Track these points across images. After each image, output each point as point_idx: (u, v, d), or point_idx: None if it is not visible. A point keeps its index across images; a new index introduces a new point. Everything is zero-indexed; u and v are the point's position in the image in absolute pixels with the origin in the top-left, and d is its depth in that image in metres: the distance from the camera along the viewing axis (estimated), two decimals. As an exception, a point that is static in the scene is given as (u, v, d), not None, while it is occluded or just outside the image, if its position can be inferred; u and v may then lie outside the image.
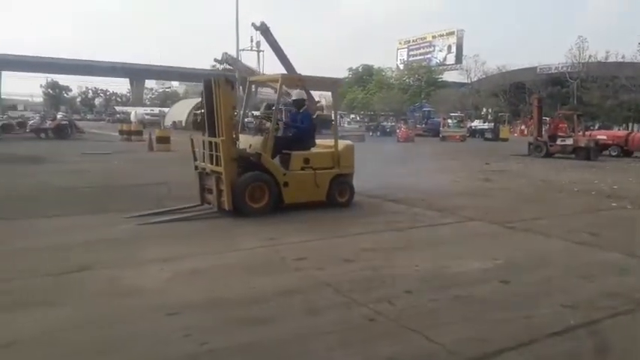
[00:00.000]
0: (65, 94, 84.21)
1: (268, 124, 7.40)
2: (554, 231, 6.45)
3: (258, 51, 39.24)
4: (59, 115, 30.68)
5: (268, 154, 7.05)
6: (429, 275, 4.46)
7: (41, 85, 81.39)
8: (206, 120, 6.91)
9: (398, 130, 34.13)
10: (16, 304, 3.56)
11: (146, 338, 3.08)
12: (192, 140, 7.39)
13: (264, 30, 36.25)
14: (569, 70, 53.56)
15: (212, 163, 6.91)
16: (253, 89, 9.06)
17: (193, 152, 7.41)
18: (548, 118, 25.45)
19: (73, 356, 2.86)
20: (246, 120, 8.75)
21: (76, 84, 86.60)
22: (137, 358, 2.84)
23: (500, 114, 44.78)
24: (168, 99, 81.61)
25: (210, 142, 6.88)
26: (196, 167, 7.33)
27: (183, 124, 38.19)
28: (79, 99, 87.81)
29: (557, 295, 4.06)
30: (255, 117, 9.14)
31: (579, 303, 3.86)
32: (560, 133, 21.13)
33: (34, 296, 3.74)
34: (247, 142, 7.26)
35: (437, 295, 3.92)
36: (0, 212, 6.79)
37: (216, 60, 36.09)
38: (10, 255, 4.81)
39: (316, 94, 41.34)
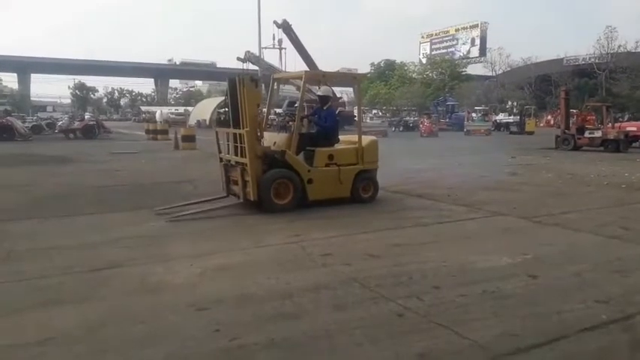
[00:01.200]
0: (92, 95, 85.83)
1: (292, 122, 7.45)
2: (584, 225, 6.33)
3: (280, 48, 39.34)
4: (87, 116, 31.33)
5: (292, 151, 7.09)
6: (456, 270, 4.43)
7: (69, 87, 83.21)
8: (231, 117, 6.99)
9: (421, 125, 33.85)
10: (51, 301, 3.67)
11: (177, 333, 3.14)
12: (216, 133, 7.49)
13: (286, 27, 36.32)
14: (597, 61, 52.40)
15: (237, 155, 6.99)
16: (276, 87, 9.11)
17: (218, 144, 7.53)
18: (575, 111, 24.91)
19: (107, 352, 2.93)
20: (270, 117, 8.80)
21: (102, 85, 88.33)
22: (169, 353, 2.89)
23: (526, 107, 43.99)
24: (192, 98, 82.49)
25: (235, 134, 6.95)
26: (221, 159, 7.43)
27: (207, 123, 38.58)
28: (105, 99, 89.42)
29: (588, 290, 3.98)
30: (278, 114, 9.20)
31: (612, 298, 3.79)
32: (588, 126, 20.67)
33: (69, 293, 3.84)
34: (272, 139, 7.31)
35: (465, 291, 3.89)
36: (34, 211, 6.99)
37: (238, 58, 36.16)
38: (44, 253, 4.95)
39: (338, 90, 41.34)
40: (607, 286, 4.12)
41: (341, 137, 7.95)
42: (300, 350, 2.98)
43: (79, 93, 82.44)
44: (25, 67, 76.20)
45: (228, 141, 7.24)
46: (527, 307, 3.63)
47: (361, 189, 7.62)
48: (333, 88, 31.23)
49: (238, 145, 6.92)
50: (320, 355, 2.93)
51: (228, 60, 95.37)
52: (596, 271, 4.54)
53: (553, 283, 4.18)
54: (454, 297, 3.78)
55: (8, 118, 24.86)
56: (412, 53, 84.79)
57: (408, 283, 4.09)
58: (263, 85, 7.54)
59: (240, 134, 6.78)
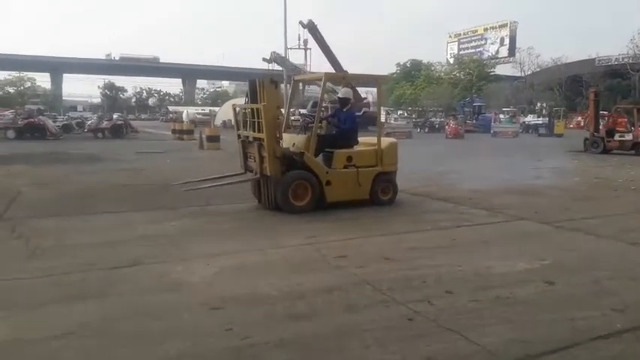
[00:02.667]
0: (121, 95, 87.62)
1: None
2: (606, 231, 6.21)
3: (306, 49, 39.41)
4: (115, 116, 32.02)
5: (311, 153, 7.14)
6: (471, 275, 4.41)
7: (99, 87, 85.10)
8: (250, 119, 7.12)
9: (447, 126, 33.53)
10: (73, 296, 3.80)
11: (190, 331, 3.22)
12: (234, 109, 7.56)
13: (311, 28, 36.41)
14: (630, 61, 50.98)
15: (254, 131, 7.06)
16: (300, 87, 9.18)
17: (236, 121, 7.60)
18: (606, 112, 24.33)
19: (124, 346, 3.03)
20: (292, 118, 8.86)
21: (131, 85, 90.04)
22: (181, 350, 2.98)
23: (555, 108, 43.17)
24: (218, 98, 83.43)
25: (252, 110, 7.03)
26: (239, 136, 7.52)
27: (233, 123, 38.97)
28: (133, 99, 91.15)
29: (605, 298, 3.93)
30: (302, 115, 9.26)
31: (628, 306, 3.72)
32: (619, 128, 20.17)
33: (90, 289, 3.98)
34: (291, 140, 7.38)
35: (478, 296, 3.88)
36: (61, 209, 7.23)
37: (264, 59, 36.42)
38: (69, 249, 5.12)
39: (363, 91, 41.24)
40: (625, 294, 4.05)
41: (361, 139, 7.96)
42: (309, 350, 3.03)
43: (108, 92, 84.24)
44: (57, 67, 78.24)
45: (246, 117, 7.32)
46: (540, 313, 3.60)
47: (380, 191, 7.62)
48: (358, 88, 31.18)
49: (256, 120, 6.96)
50: (328, 356, 2.97)
51: (254, 61, 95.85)
52: (614, 278, 4.46)
53: (569, 290, 4.13)
54: (466, 302, 3.78)
55: (40, 117, 25.62)
56: (439, 53, 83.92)
57: (421, 287, 4.10)
58: (288, 86, 7.66)
59: (257, 109, 6.84)
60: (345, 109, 7.81)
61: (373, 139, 7.90)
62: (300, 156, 7.00)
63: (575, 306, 3.75)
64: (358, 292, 3.95)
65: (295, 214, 6.82)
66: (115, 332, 3.21)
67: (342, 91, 8.08)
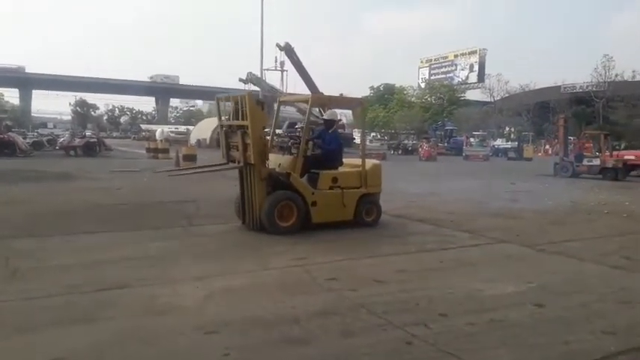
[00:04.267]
0: (93, 112, 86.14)
1: (293, 144, 7.49)
2: (587, 254, 6.35)
3: (282, 70, 39.73)
4: (87, 133, 31.38)
5: (297, 174, 7.13)
6: (463, 298, 4.43)
7: (70, 104, 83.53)
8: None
9: (420, 149, 34.04)
10: (59, 321, 3.65)
11: (187, 357, 3.14)
12: (217, 100, 7.43)
13: (288, 50, 36.72)
14: (594, 89, 53.04)
15: (238, 119, 6.96)
16: (275, 108, 9.18)
17: (219, 111, 7.48)
18: (572, 138, 25.10)
19: (118, 373, 2.92)
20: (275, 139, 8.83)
21: (102, 102, 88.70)
22: (180, 376, 2.89)
23: (523, 133, 44.35)
24: (192, 117, 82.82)
25: (237, 98, 6.96)
26: (222, 126, 7.43)
27: (207, 142, 38.66)
28: (105, 117, 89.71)
29: (595, 321, 3.99)
30: (278, 135, 9.22)
31: (619, 329, 3.80)
32: (586, 153, 20.84)
33: (76, 313, 3.83)
34: (276, 161, 7.35)
35: (473, 319, 3.89)
36: (36, 229, 6.97)
37: (240, 79, 36.50)
38: (49, 271, 4.93)
39: (337, 112, 41.56)
40: (613, 316, 4.13)
41: (345, 160, 7.99)
42: (310, 376, 2.98)
43: (79, 110, 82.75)
44: (26, 83, 76.63)
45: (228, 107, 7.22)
46: (534, 336, 3.63)
47: (364, 212, 7.64)
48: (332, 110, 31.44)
49: (239, 108, 6.87)
50: (330, 382, 2.92)
51: (230, 81, 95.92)
52: (601, 301, 4.54)
53: (559, 313, 4.18)
54: (462, 325, 3.78)
55: (10, 133, 24.86)
56: (411, 77, 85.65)
57: (415, 310, 4.10)
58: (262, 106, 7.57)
59: (240, 98, 6.78)
60: (330, 131, 7.85)
61: (357, 161, 7.94)
62: (286, 177, 6.98)
63: (567, 329, 3.80)
64: (353, 316, 3.92)
65: (280, 235, 6.76)
66: (107, 359, 3.09)
67: (328, 113, 8.13)
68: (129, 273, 4.89)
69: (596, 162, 19.69)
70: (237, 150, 7.04)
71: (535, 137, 49.01)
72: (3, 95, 69.13)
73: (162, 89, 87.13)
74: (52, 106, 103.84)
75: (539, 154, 44.71)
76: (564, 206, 11.07)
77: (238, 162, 7.07)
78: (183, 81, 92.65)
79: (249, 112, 6.59)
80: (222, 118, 7.39)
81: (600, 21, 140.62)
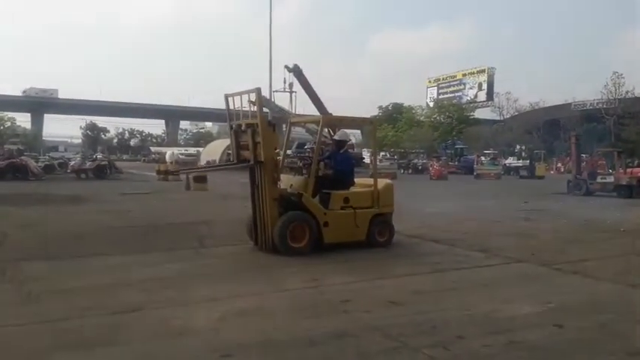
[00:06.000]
0: (103, 136, 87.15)
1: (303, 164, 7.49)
2: (604, 273, 6.25)
3: (291, 92, 39.98)
4: (99, 156, 31.69)
5: (309, 194, 7.12)
6: (480, 319, 4.36)
7: (80, 127, 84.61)
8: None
9: (431, 168, 33.94)
10: (76, 344, 3.64)
11: (202, 380, 3.09)
12: (226, 98, 7.41)
13: (296, 72, 36.97)
14: (604, 106, 52.84)
15: (248, 117, 6.95)
16: (284, 129, 9.22)
17: (228, 110, 7.44)
18: (585, 156, 24.97)
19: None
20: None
21: (113, 125, 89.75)
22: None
23: (535, 151, 44.16)
24: (202, 139, 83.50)
25: (248, 96, 6.93)
26: (231, 127, 7.42)
27: (217, 163, 38.92)
28: (115, 140, 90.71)
29: (616, 341, 3.91)
30: (288, 156, 9.24)
31: (642, 350, 3.71)
32: (599, 171, 20.67)
33: (92, 336, 3.81)
34: (288, 181, 7.36)
35: (491, 341, 3.82)
36: (49, 252, 7.00)
37: (250, 101, 36.75)
38: (63, 294, 4.94)
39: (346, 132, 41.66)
40: (634, 337, 4.05)
41: (357, 180, 7.98)
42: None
43: (90, 133, 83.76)
44: (38, 107, 77.86)
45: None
46: (555, 358, 3.57)
47: (377, 233, 7.58)
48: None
49: (249, 107, 6.84)
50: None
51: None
52: (620, 321, 4.46)
53: (579, 334, 4.11)
54: (480, 347, 3.72)
55: (22, 157, 25.21)
56: (419, 96, 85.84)
57: (431, 332, 4.03)
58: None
59: (250, 95, 6.75)
60: (341, 151, 7.86)
61: (369, 181, 7.92)
62: (298, 197, 6.97)
63: (588, 350, 3.73)
64: (369, 338, 3.86)
65: (292, 256, 6.72)
66: (123, 382, 3.06)
67: (339, 133, 8.15)
68: (142, 295, 4.87)
69: (610, 179, 19.50)
70: (248, 149, 7.03)
71: (547, 155, 48.81)
72: (15, 120, 70.29)
73: (170, 112, 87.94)
74: (63, 130, 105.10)
75: (552, 172, 44.40)
76: (579, 224, 10.94)
77: (248, 161, 7.05)
78: (191, 103, 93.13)
79: (262, 133, 6.63)
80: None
81: (609, 38, 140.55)
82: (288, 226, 6.83)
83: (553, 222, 11.25)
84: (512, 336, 3.95)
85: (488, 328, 4.14)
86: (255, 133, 6.82)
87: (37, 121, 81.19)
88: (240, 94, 7.10)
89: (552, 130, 56.32)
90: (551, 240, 8.79)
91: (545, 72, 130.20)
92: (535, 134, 57.19)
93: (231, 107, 7.29)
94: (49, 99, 77.38)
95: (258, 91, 6.64)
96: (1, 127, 66.67)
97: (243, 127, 7.16)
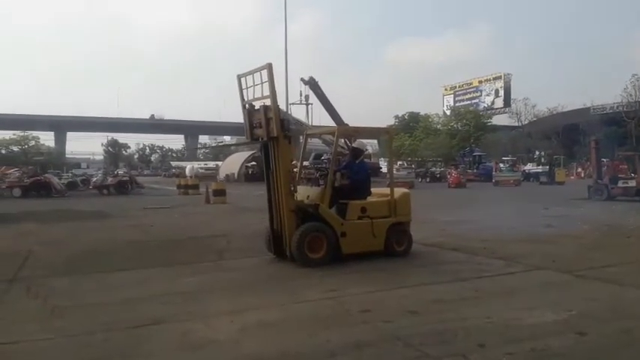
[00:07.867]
0: (124, 152, 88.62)
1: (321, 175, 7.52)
2: (628, 279, 6.13)
3: (307, 104, 40.26)
4: (120, 172, 32.21)
5: (326, 205, 7.14)
6: (501, 327, 4.32)
7: (102, 144, 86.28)
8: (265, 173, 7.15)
9: (449, 176, 33.70)
10: (99, 358, 3.72)
11: (224, 392, 3.13)
12: (239, 80, 7.43)
13: (312, 84, 37.25)
14: (625, 109, 51.99)
15: (261, 95, 6.97)
16: (301, 140, 9.27)
17: (241, 91, 7.44)
18: (605, 160, 24.53)
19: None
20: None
21: (133, 141, 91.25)
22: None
23: (555, 157, 43.55)
24: (220, 153, 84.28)
25: (260, 74, 6.92)
26: (244, 106, 7.44)
27: (236, 177, 39.25)
28: (136, 155, 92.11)
29: (641, 349, 3.84)
30: (305, 167, 9.30)
31: (668, 357, 3.64)
32: (620, 175, 20.29)
33: (115, 350, 3.88)
34: (305, 192, 7.40)
35: (513, 349, 3.79)
36: (73, 267, 7.15)
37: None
38: (88, 309, 5.04)
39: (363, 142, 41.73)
40: (660, 343, 3.96)
41: (373, 190, 7.98)
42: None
43: (111, 150, 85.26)
44: (60, 125, 79.65)
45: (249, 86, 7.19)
46: (579, 366, 3.51)
47: (395, 242, 7.56)
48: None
49: (261, 85, 6.89)
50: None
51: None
52: (645, 328, 4.37)
53: (603, 341, 4.05)
54: (501, 355, 3.69)
55: (46, 175, 25.79)
56: (435, 104, 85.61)
57: (453, 341, 4.01)
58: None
59: (261, 73, 6.78)
60: (357, 161, 7.88)
61: (385, 190, 7.93)
62: (315, 208, 7.00)
63: (612, 358, 3.67)
64: (389, 348, 3.86)
65: (310, 267, 6.74)
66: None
67: (356, 143, 8.17)
68: (163, 309, 4.95)
69: (632, 183, 19.12)
70: (261, 127, 7.04)
71: (566, 160, 48.10)
72: (39, 138, 72.02)
73: (190, 127, 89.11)
74: (85, 147, 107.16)
75: (572, 177, 43.71)
76: (601, 230, 10.76)
77: (262, 138, 7.09)
78: (209, 118, 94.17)
79: (279, 146, 6.70)
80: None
81: (627, 39, 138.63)
82: (306, 238, 6.85)
83: (574, 228, 11.08)
84: (534, 344, 3.91)
85: (509, 336, 4.10)
86: (268, 110, 6.84)
87: (60, 139, 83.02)
88: (252, 72, 7.13)
89: (571, 135, 55.60)
90: (573, 246, 8.66)
91: (562, 76, 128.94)
92: (554, 139, 56.49)
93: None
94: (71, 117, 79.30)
95: (269, 66, 6.67)
96: (26, 146, 68.18)
97: (256, 107, 7.20)
